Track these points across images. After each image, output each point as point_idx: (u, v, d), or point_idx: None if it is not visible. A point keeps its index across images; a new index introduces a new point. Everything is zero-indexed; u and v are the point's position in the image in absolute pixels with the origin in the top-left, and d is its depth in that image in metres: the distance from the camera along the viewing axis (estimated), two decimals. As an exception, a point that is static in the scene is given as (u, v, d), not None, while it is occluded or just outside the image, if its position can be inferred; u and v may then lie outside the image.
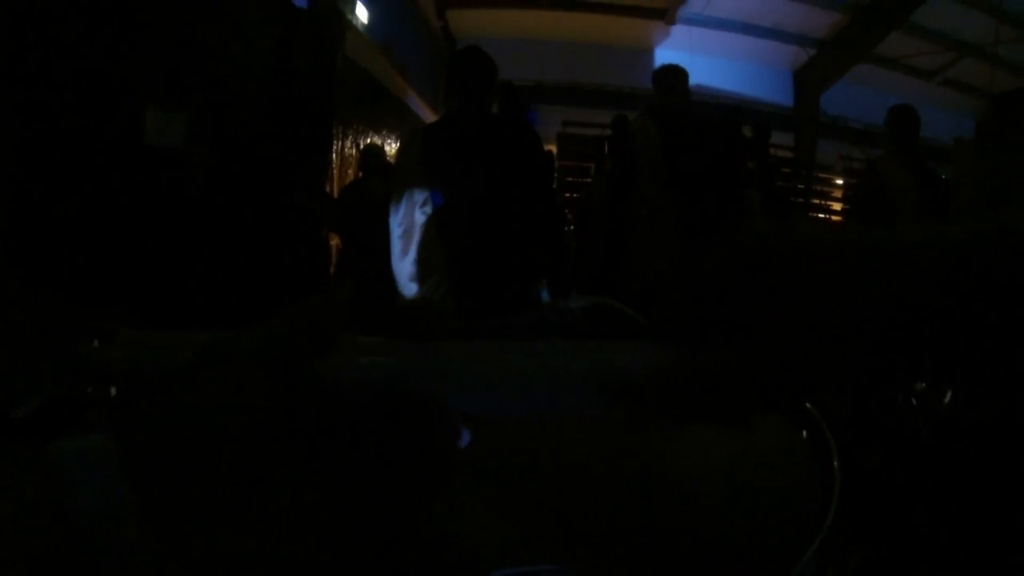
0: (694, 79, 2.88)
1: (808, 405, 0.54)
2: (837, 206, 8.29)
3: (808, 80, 9.56)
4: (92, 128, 1.44)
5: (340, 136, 4.98)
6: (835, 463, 0.47)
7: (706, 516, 0.47)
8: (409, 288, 2.16)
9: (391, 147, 5.89)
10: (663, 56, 8.66)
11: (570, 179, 6.83)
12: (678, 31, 8.88)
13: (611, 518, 0.47)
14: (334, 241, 4.17)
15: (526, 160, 2.20)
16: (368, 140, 5.71)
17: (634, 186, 2.64)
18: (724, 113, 3.76)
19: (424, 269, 2.15)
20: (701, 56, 8.00)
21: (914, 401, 0.78)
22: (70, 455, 0.26)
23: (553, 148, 6.89)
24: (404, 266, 2.19)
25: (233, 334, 0.31)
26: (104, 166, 1.47)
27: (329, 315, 0.33)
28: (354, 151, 5.14)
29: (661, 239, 2.57)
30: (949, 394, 0.77)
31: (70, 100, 1.40)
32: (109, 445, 0.26)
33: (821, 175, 8.76)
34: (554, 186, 4.79)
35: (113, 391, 0.48)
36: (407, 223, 2.17)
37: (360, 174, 4.25)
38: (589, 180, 5.25)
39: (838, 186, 8.68)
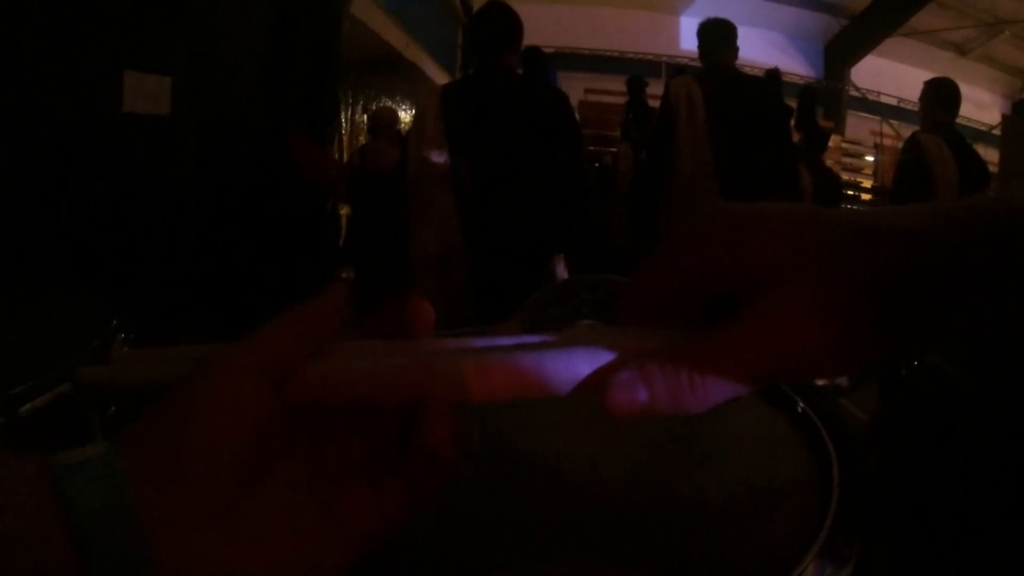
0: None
1: (802, 405, 0.56)
2: (867, 183, 8.14)
3: (838, 52, 9.31)
4: (60, 94, 1.28)
5: (349, 102, 4.85)
6: (834, 463, 0.48)
7: (705, 516, 0.48)
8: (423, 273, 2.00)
9: (404, 113, 5.74)
10: (688, 23, 8.45)
11: (592, 148, 6.71)
12: (704, -3, 8.63)
13: (608, 518, 0.48)
14: (344, 211, 4.03)
15: (553, 125, 2.01)
16: (380, 105, 5.57)
17: (671, 153, 2.41)
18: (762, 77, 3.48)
19: (440, 247, 1.98)
20: (728, 24, 7.73)
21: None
22: (71, 465, 0.26)
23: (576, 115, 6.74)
24: (418, 242, 2.02)
25: (225, 344, 0.30)
26: (77, 138, 1.31)
27: (322, 320, 0.32)
28: (364, 118, 5.03)
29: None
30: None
31: (32, 64, 1.23)
32: (110, 455, 0.26)
33: (850, 148, 8.59)
34: (582, 155, 4.59)
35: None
36: (422, 193, 2.00)
37: (370, 139, 4.12)
38: (614, 149, 5.06)
39: (868, 163, 8.53)
